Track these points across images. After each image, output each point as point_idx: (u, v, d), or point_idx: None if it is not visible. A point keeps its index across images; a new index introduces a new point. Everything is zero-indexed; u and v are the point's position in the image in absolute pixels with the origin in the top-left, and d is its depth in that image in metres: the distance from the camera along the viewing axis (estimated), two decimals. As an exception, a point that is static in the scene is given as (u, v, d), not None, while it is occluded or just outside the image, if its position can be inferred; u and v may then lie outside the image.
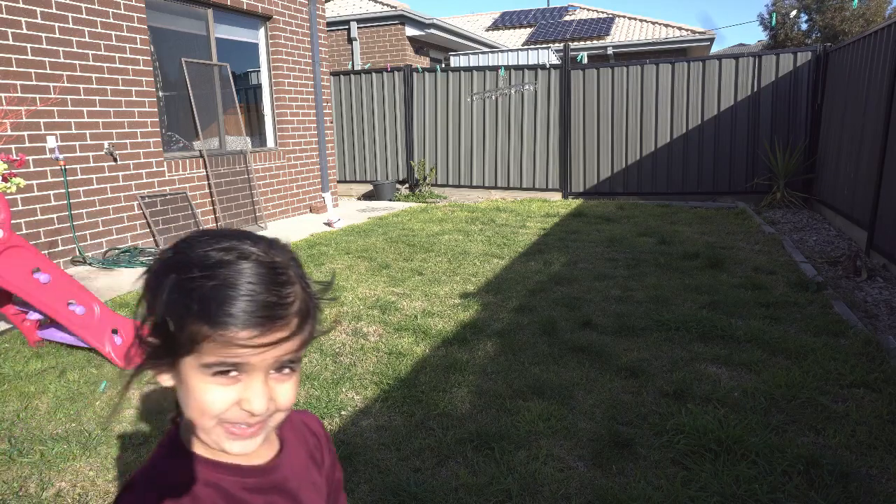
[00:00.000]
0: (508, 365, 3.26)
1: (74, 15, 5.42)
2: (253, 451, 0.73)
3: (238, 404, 0.68)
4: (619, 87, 9.31)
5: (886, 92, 5.47)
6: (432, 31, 13.53)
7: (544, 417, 2.67)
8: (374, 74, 10.65)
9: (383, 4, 13.95)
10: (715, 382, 3.00)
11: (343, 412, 2.80)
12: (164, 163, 6.41)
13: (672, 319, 3.80)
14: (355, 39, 13.43)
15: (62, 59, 5.33)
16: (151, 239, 6.27)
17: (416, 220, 7.80)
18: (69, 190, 5.40)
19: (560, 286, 4.70)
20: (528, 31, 20.09)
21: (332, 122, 9.28)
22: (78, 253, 5.50)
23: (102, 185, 5.77)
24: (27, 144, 5.07)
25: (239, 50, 7.73)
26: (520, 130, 9.89)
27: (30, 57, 5.08)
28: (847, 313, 3.91)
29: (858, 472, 2.26)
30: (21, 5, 4.99)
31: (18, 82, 4.99)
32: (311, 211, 8.83)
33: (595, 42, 17.46)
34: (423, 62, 13.88)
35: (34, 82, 5.11)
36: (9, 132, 4.89)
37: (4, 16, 4.88)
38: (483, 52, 12.69)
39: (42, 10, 5.16)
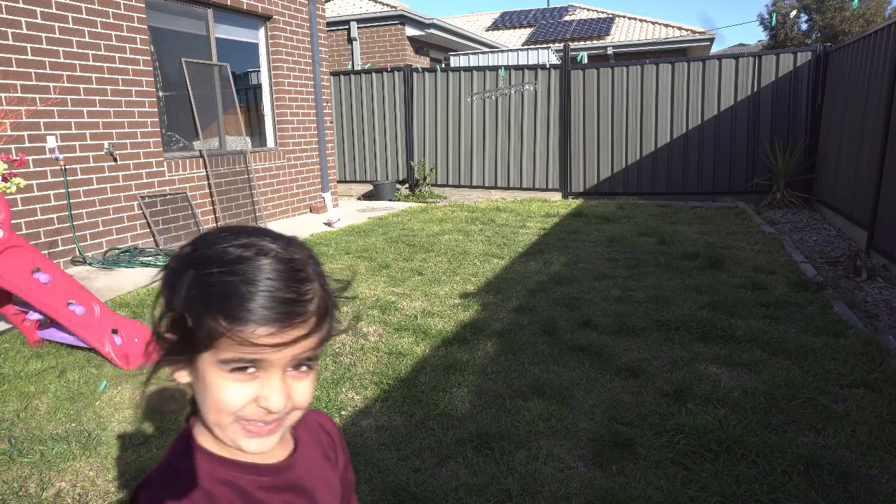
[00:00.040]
0: (508, 365, 3.26)
1: (74, 15, 5.42)
2: (269, 449, 0.73)
3: (255, 401, 0.68)
4: (619, 87, 9.31)
5: (886, 92, 5.47)
6: (432, 31, 13.53)
7: (544, 417, 2.67)
8: (374, 74, 10.65)
9: (383, 4, 13.95)
10: (715, 382, 3.00)
11: (343, 412, 2.80)
12: (164, 163, 6.41)
13: (672, 319, 3.80)
14: (355, 39, 13.43)
15: (62, 59, 5.33)
16: (151, 239, 6.27)
17: (416, 220, 7.80)
18: (69, 190, 5.40)
19: (560, 286, 4.71)
20: (528, 31, 20.09)
21: (332, 122, 9.28)
22: (78, 253, 5.50)
23: (102, 185, 5.77)
24: (27, 144, 5.07)
25: (239, 50, 7.73)
26: (520, 130, 9.89)
27: (30, 57, 5.08)
28: (847, 313, 3.91)
29: (858, 472, 2.26)
30: (21, 5, 4.99)
31: (18, 82, 5.00)
32: (311, 211, 8.84)
33: (595, 42, 17.46)
34: (423, 62, 13.88)
35: (34, 82, 5.12)
36: (9, 132, 4.89)
37: (4, 16, 4.88)
38: (483, 52, 12.69)
39: (42, 10, 5.16)
